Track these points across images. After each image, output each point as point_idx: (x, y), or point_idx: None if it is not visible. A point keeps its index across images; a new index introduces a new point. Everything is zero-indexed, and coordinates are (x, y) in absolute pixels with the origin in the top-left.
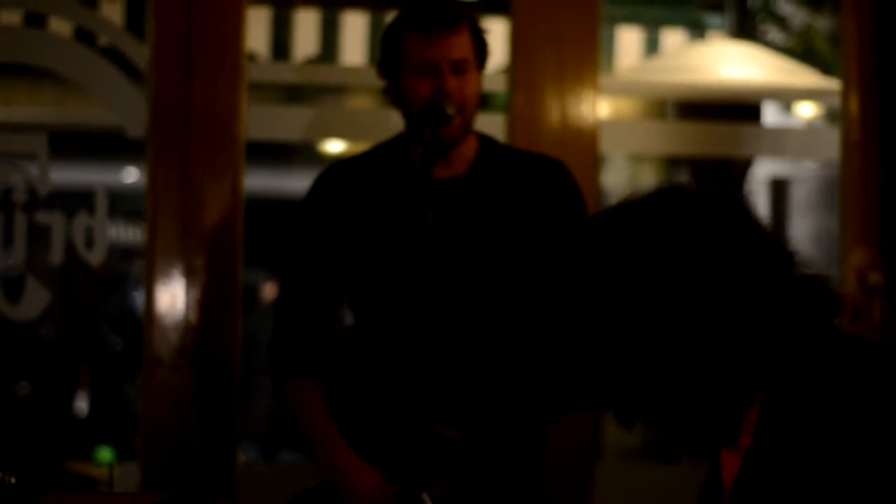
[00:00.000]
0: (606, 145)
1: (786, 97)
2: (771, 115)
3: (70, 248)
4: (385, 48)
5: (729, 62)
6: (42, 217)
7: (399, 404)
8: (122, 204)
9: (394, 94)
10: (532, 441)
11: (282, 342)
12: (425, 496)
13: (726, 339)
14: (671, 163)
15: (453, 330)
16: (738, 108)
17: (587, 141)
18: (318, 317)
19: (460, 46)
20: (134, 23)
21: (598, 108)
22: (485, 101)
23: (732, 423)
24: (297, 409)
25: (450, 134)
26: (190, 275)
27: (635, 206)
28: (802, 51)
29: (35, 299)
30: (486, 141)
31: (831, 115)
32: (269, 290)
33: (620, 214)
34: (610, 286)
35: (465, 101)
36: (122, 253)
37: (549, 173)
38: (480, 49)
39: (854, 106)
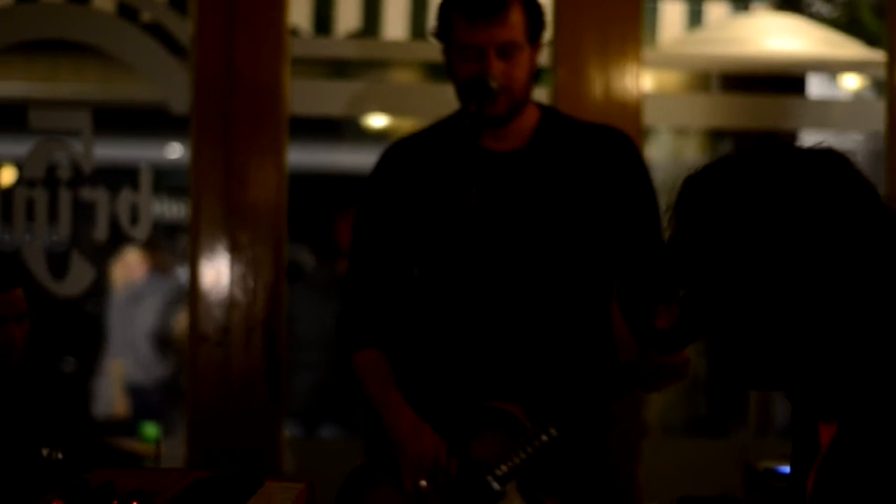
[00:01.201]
0: (650, 118)
1: (830, 69)
2: (816, 87)
3: (114, 225)
4: (437, 21)
5: (773, 34)
6: (86, 193)
7: (459, 378)
8: (166, 180)
9: (447, 67)
10: (601, 416)
11: (349, 314)
12: (489, 479)
13: (833, 294)
14: (715, 135)
15: (507, 302)
16: (782, 81)
17: (631, 114)
18: (385, 289)
19: (507, 30)
20: None
21: (642, 81)
22: (539, 75)
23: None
24: (363, 379)
25: (496, 109)
26: (234, 250)
27: (747, 158)
28: (847, 22)
29: (80, 275)
30: (548, 113)
31: (877, 87)
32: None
33: (733, 164)
34: (734, 231)
35: (512, 79)
36: (167, 229)
37: (612, 144)
38: (534, 26)
39: None
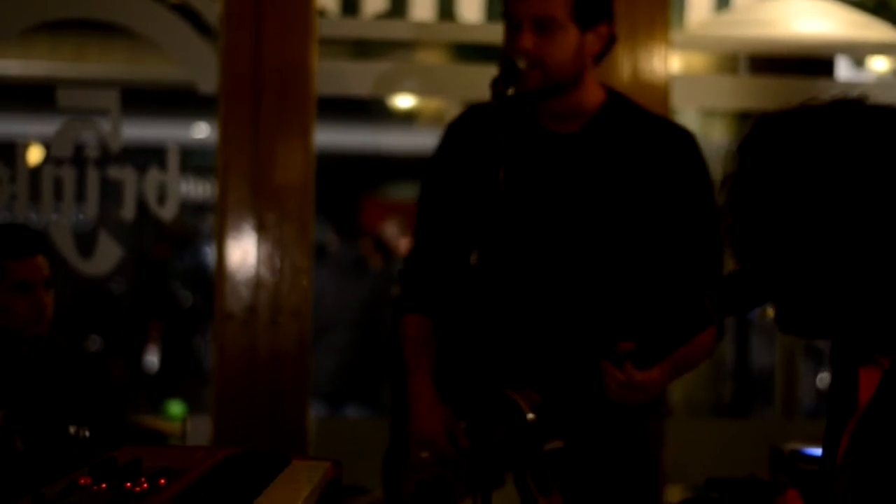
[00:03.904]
0: (678, 100)
1: (859, 51)
2: (843, 69)
3: (142, 204)
4: None
5: (801, 16)
6: (114, 172)
7: (497, 356)
8: (193, 159)
9: None
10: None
11: (406, 278)
12: (529, 479)
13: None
14: (743, 117)
15: (548, 282)
16: (810, 63)
17: (659, 95)
18: (444, 258)
19: (544, 4)
20: None
21: (670, 62)
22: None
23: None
24: (403, 341)
25: (527, 84)
26: (261, 230)
27: (818, 111)
28: (875, 4)
29: (107, 254)
30: (614, 100)
31: None
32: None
33: (808, 114)
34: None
35: (546, 55)
36: (193, 208)
37: (673, 140)
38: (584, 7)
39: None
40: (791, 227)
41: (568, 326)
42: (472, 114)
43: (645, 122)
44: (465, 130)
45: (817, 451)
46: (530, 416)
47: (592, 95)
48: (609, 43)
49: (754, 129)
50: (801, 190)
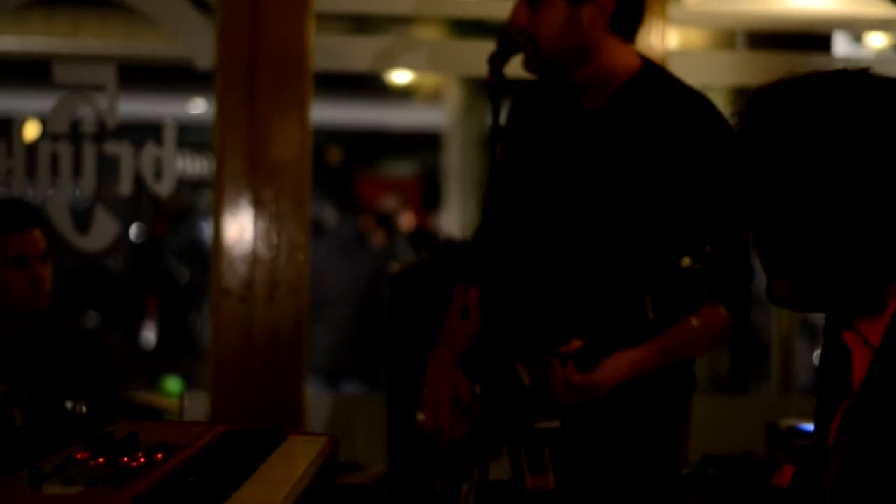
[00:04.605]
0: (676, 75)
1: (856, 27)
2: (841, 45)
3: (138, 180)
4: None
5: None
6: (111, 148)
7: (524, 321)
8: (190, 135)
9: None
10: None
11: (468, 249)
12: (522, 454)
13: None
14: (740, 93)
15: (569, 255)
16: (807, 38)
17: None
18: (497, 229)
19: None
20: None
21: (668, 38)
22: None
23: (877, 286)
24: (449, 308)
25: (525, 62)
26: (258, 206)
27: (818, 79)
28: None
29: (104, 230)
30: (647, 72)
31: None
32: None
33: (807, 84)
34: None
35: (536, 31)
36: (190, 184)
37: (698, 116)
38: None
39: None
40: (785, 196)
41: (582, 304)
42: (523, 90)
43: (673, 95)
44: (521, 102)
45: (813, 427)
46: (526, 383)
47: (620, 68)
48: (627, 12)
49: (754, 99)
50: (796, 156)
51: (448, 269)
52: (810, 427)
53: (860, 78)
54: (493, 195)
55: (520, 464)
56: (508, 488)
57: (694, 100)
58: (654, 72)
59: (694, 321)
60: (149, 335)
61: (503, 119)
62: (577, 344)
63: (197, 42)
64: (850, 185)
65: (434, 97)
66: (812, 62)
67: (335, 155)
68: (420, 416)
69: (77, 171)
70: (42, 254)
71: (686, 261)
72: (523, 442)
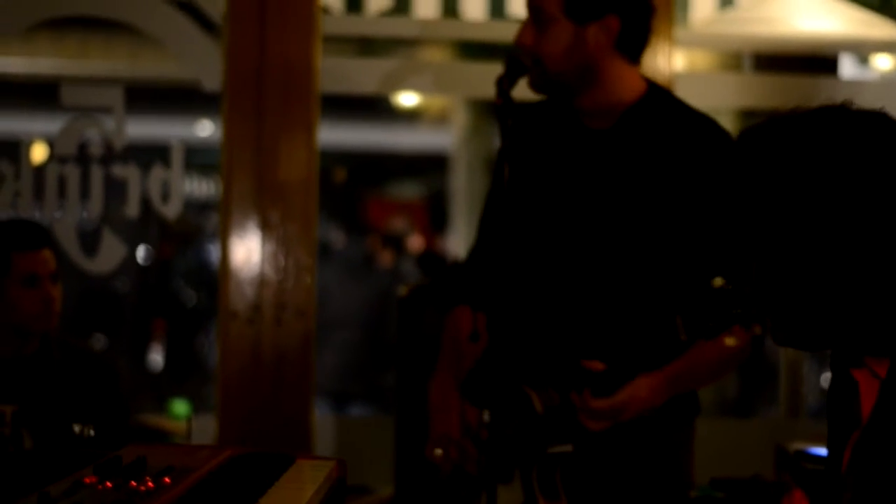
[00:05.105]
0: (682, 98)
1: (863, 49)
2: (848, 67)
3: (146, 202)
4: None
5: (805, 14)
6: (118, 170)
7: (531, 345)
8: (197, 157)
9: None
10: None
11: (457, 274)
12: (534, 479)
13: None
14: (747, 115)
15: (571, 279)
16: (814, 61)
17: None
18: (497, 251)
19: None
20: None
21: (674, 60)
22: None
23: (884, 328)
24: (443, 336)
25: (531, 84)
26: (265, 228)
27: (801, 119)
28: (880, 2)
29: (111, 253)
30: (653, 94)
31: None
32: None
33: (789, 123)
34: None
35: (541, 51)
36: (197, 207)
37: (706, 139)
38: (573, 1)
39: None
40: (779, 239)
41: (593, 329)
42: (526, 111)
43: (680, 118)
44: (524, 123)
45: (822, 451)
46: (539, 409)
47: (625, 90)
48: (633, 34)
49: (740, 142)
50: (786, 201)
51: (449, 292)
52: (819, 451)
53: (841, 114)
54: (493, 216)
55: (532, 489)
56: None
57: (703, 121)
58: (660, 94)
59: (728, 341)
60: (156, 358)
61: (506, 141)
62: (598, 366)
63: (204, 64)
64: (836, 225)
65: (441, 119)
66: (818, 84)
67: (341, 177)
68: (438, 452)
69: (84, 193)
70: (52, 273)
71: (718, 281)
72: (536, 467)
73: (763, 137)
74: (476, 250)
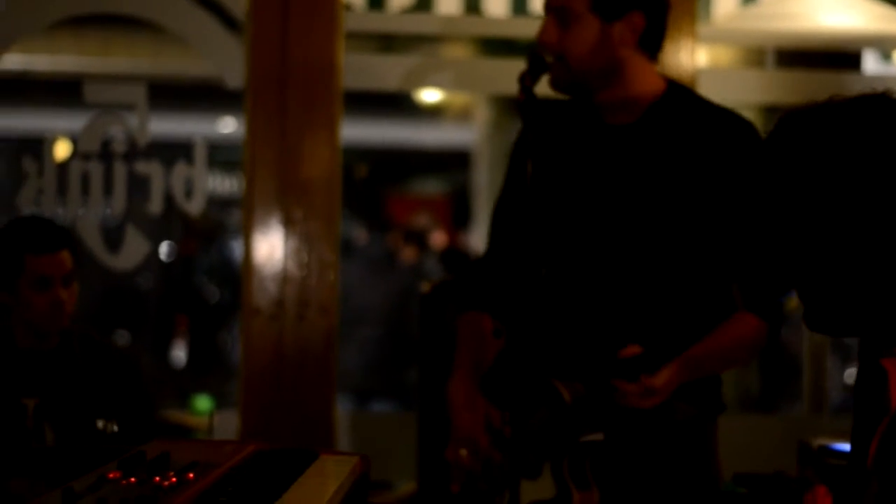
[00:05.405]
0: (705, 94)
1: (886, 45)
2: (871, 63)
3: (169, 199)
4: None
5: (828, 9)
6: (141, 167)
7: (563, 342)
8: (220, 154)
9: None
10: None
11: (471, 275)
12: (566, 470)
13: None
14: (770, 111)
15: (604, 275)
16: (837, 56)
17: None
18: (511, 254)
19: None
20: None
21: (697, 56)
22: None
23: None
24: (458, 337)
25: (552, 81)
26: (288, 225)
27: (843, 106)
28: None
29: (135, 249)
30: (673, 90)
31: None
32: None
33: (828, 111)
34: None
35: (564, 49)
36: (219, 203)
37: (733, 132)
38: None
39: None
40: (817, 226)
41: (620, 322)
42: (551, 105)
43: (704, 112)
44: (540, 125)
45: (846, 447)
46: (567, 398)
47: (647, 86)
48: (654, 31)
49: (779, 126)
50: (824, 187)
51: (464, 296)
52: (842, 446)
53: (882, 102)
54: (510, 214)
55: (564, 480)
56: None
57: (727, 112)
58: (681, 89)
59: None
60: (179, 354)
61: (529, 138)
62: (635, 350)
63: (226, 61)
64: (875, 212)
65: (463, 115)
66: (841, 80)
67: (364, 173)
68: (462, 452)
69: (108, 190)
70: (65, 276)
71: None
72: (567, 457)
73: (804, 123)
74: (491, 252)
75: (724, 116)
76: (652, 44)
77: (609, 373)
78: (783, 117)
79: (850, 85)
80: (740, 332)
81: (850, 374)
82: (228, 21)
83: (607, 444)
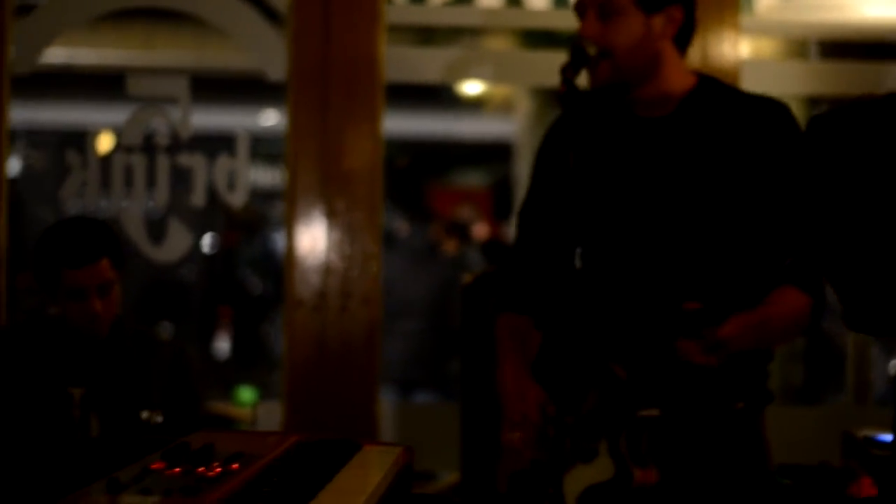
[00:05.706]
0: (748, 85)
1: None
2: None
3: (212, 191)
4: None
5: (871, 0)
6: (184, 160)
7: (610, 338)
8: (262, 147)
9: None
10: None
11: (507, 276)
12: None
13: None
14: (813, 102)
15: (646, 266)
16: (880, 47)
17: (729, 81)
18: (547, 253)
19: None
20: None
21: (740, 47)
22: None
23: None
24: (497, 340)
25: (598, 76)
26: (330, 216)
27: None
28: None
29: (178, 241)
30: (705, 82)
31: None
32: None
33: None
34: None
35: (609, 43)
36: (262, 195)
37: (770, 115)
38: None
39: None
40: (857, 222)
41: (668, 305)
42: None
43: (739, 99)
44: (563, 126)
45: (890, 438)
46: (622, 375)
47: (680, 79)
48: (688, 26)
49: (818, 122)
50: (865, 184)
51: (502, 298)
52: (887, 437)
53: None
54: (540, 207)
55: (623, 458)
56: (612, 487)
57: (759, 97)
58: (712, 81)
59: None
60: (222, 345)
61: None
62: (694, 305)
63: (269, 54)
64: None
65: (505, 107)
66: (885, 71)
67: (405, 165)
68: (517, 435)
69: (151, 182)
70: (101, 284)
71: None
72: (624, 433)
73: (850, 119)
74: (522, 250)
75: (756, 101)
76: (685, 38)
77: (672, 330)
78: (828, 114)
79: (893, 75)
80: (790, 303)
81: (895, 364)
82: (270, 14)
83: (663, 420)
